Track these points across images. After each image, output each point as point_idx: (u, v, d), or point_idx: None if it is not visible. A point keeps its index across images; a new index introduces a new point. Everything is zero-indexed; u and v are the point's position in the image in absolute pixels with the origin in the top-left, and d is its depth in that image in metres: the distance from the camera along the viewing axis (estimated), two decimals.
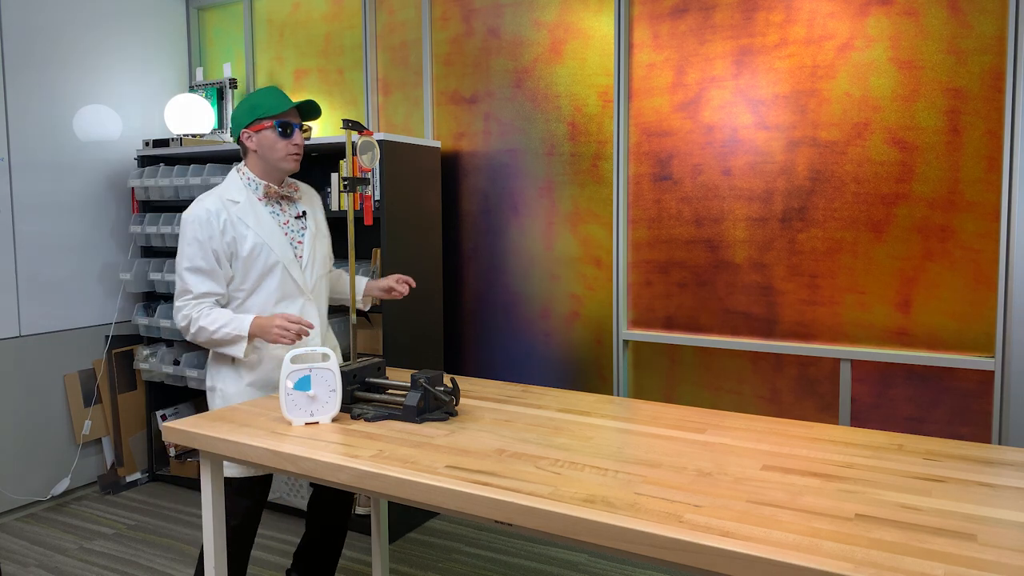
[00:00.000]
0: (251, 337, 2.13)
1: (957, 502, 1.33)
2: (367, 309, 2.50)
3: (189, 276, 2.16)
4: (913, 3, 2.56)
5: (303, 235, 2.29)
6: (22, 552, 3.09)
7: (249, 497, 2.22)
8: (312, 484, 2.51)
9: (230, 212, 2.18)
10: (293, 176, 2.57)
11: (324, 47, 3.83)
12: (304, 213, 2.32)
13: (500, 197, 3.40)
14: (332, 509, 2.47)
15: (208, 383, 2.31)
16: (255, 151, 2.22)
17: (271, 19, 3.99)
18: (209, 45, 4.22)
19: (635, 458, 1.57)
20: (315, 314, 2.30)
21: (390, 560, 2.93)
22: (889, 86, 2.61)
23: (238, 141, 2.24)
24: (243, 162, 2.28)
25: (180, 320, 2.18)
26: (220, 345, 2.15)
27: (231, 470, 2.17)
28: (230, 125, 2.26)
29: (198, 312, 2.15)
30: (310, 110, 2.27)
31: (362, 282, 2.46)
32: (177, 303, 2.18)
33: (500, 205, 3.41)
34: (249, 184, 2.25)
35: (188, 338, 2.19)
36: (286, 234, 2.26)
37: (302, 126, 2.24)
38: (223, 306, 2.21)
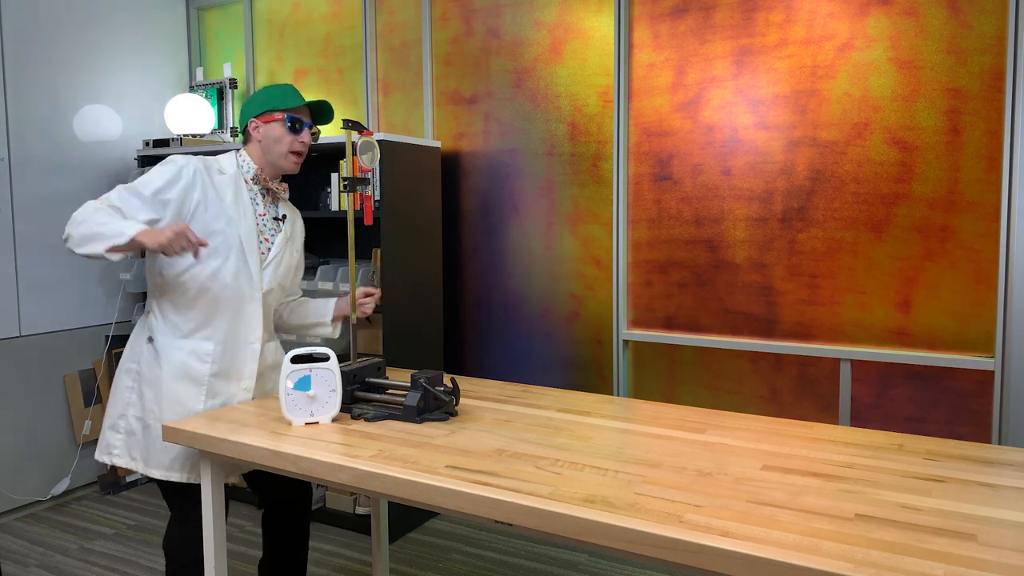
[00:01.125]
0: (133, 240, 1.81)
1: (957, 502, 1.33)
2: (337, 336, 2.32)
3: (124, 191, 1.96)
4: (913, 3, 2.56)
5: (275, 236, 2.18)
6: (22, 552, 3.09)
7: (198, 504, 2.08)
8: (261, 503, 2.32)
9: (212, 177, 2.06)
10: (288, 180, 2.52)
11: (324, 47, 3.83)
12: (284, 217, 2.22)
13: (500, 197, 3.40)
14: (291, 510, 2.30)
15: (125, 365, 2.12)
16: (259, 141, 2.13)
17: (271, 19, 3.99)
18: (209, 45, 4.22)
19: (635, 458, 1.57)
20: (258, 322, 2.13)
21: (390, 560, 2.93)
22: (889, 86, 2.61)
23: (244, 130, 2.15)
24: (242, 148, 2.18)
25: (75, 212, 1.90)
26: (89, 239, 1.83)
27: (175, 475, 2.04)
28: (239, 114, 2.18)
29: (93, 207, 1.90)
30: (322, 112, 2.20)
31: (329, 305, 2.28)
32: (88, 201, 1.93)
33: (500, 205, 3.41)
34: (242, 165, 2.14)
35: (67, 231, 1.88)
36: (257, 224, 2.14)
37: (312, 126, 2.17)
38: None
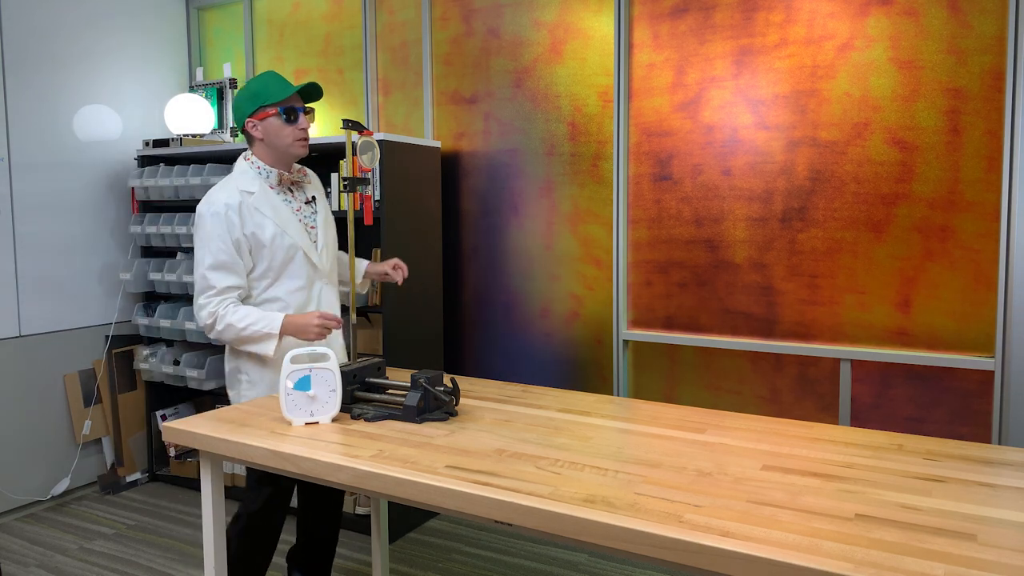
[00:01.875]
0: (282, 335, 2.14)
1: (957, 502, 1.33)
2: (364, 292, 2.57)
3: (211, 272, 2.13)
4: (913, 3, 2.56)
5: (315, 219, 2.32)
6: (22, 552, 3.09)
7: (271, 485, 2.22)
8: (300, 490, 2.49)
9: (246, 203, 2.16)
10: (300, 162, 2.61)
11: (324, 47, 3.83)
12: (313, 198, 2.35)
13: (500, 197, 3.40)
14: (325, 508, 2.47)
15: (229, 367, 2.30)
16: (261, 139, 2.20)
17: (271, 19, 3.99)
18: (209, 45, 4.22)
19: (635, 458, 1.57)
20: (334, 298, 2.36)
21: (390, 560, 2.93)
22: (889, 86, 2.61)
23: (243, 131, 2.22)
24: (250, 151, 2.26)
25: (205, 318, 2.13)
26: (248, 343, 2.14)
27: None
28: (233, 115, 2.24)
29: (224, 309, 2.12)
30: (311, 92, 2.27)
31: (362, 264, 2.50)
32: (200, 300, 2.14)
33: (500, 205, 3.41)
34: (260, 173, 2.23)
35: (212, 336, 2.15)
36: (300, 220, 2.28)
37: (306, 109, 2.23)
38: (243, 299, 2.20)
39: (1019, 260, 2.46)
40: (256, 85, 2.18)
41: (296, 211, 2.27)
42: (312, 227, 2.31)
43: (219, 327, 2.12)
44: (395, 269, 2.41)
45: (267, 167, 2.23)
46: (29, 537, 3.23)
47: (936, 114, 2.56)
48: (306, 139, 2.23)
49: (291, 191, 2.29)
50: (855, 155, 2.68)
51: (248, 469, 2.21)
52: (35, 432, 3.52)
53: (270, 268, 2.20)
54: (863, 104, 2.65)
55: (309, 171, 2.41)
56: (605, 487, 1.40)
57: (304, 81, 3.21)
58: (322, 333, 2.11)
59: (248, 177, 2.21)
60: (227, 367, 2.31)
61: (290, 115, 2.17)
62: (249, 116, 2.18)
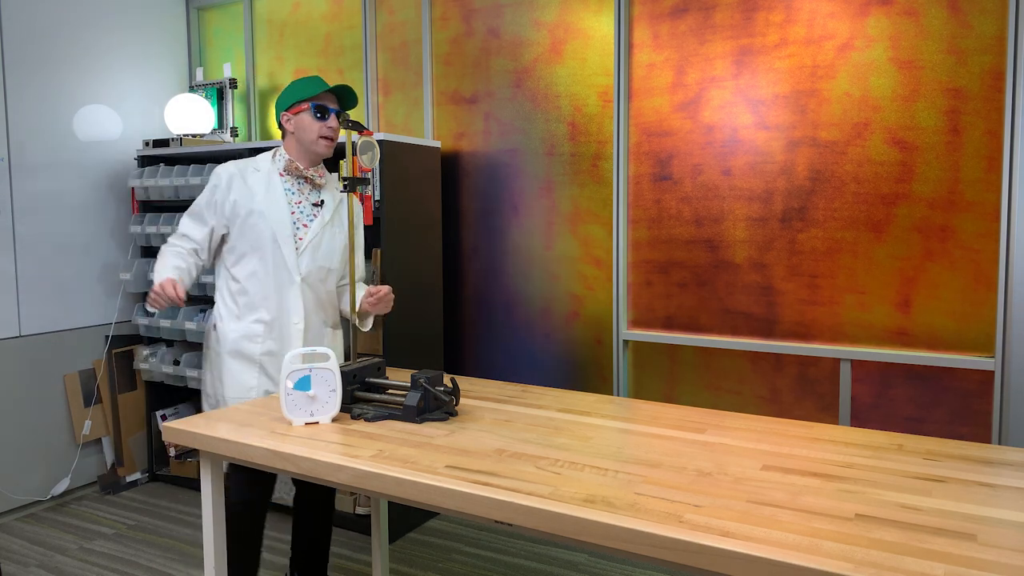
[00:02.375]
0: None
1: (957, 502, 1.33)
2: (366, 330, 2.35)
3: (184, 217, 2.32)
4: (913, 3, 2.56)
5: (312, 220, 2.32)
6: (22, 552, 3.09)
7: (247, 469, 2.24)
8: (294, 483, 2.55)
9: (246, 177, 2.27)
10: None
11: (324, 47, 3.83)
12: (322, 202, 2.35)
13: (500, 197, 3.40)
14: (314, 505, 2.50)
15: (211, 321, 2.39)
16: (292, 133, 2.29)
17: (271, 19, 3.99)
18: (209, 45, 4.22)
19: (635, 458, 1.57)
20: (299, 306, 2.29)
21: (390, 560, 2.93)
22: (889, 86, 2.61)
23: (280, 126, 2.32)
24: (281, 144, 2.36)
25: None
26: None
27: None
28: (275, 111, 2.35)
29: (165, 248, 2.29)
30: (346, 96, 2.33)
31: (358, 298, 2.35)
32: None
33: (500, 205, 3.41)
34: (276, 159, 2.33)
35: None
36: (292, 212, 2.29)
37: (338, 112, 2.29)
38: (201, 258, 2.30)
39: (1019, 260, 2.46)
40: (296, 83, 2.29)
41: (295, 204, 2.30)
42: (304, 225, 2.30)
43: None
44: (370, 297, 2.22)
45: (285, 155, 2.32)
46: (29, 537, 3.23)
47: (936, 114, 2.56)
48: (332, 139, 2.29)
49: (299, 184, 2.33)
50: (855, 155, 2.68)
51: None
52: (35, 432, 3.52)
53: (238, 243, 2.26)
54: (863, 104, 2.65)
55: (329, 175, 2.42)
56: (605, 487, 1.40)
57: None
58: (152, 300, 2.11)
59: (264, 159, 2.33)
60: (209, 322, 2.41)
61: (320, 111, 2.25)
62: (284, 111, 2.29)
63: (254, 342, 2.29)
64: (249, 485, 2.26)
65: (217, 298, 2.37)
